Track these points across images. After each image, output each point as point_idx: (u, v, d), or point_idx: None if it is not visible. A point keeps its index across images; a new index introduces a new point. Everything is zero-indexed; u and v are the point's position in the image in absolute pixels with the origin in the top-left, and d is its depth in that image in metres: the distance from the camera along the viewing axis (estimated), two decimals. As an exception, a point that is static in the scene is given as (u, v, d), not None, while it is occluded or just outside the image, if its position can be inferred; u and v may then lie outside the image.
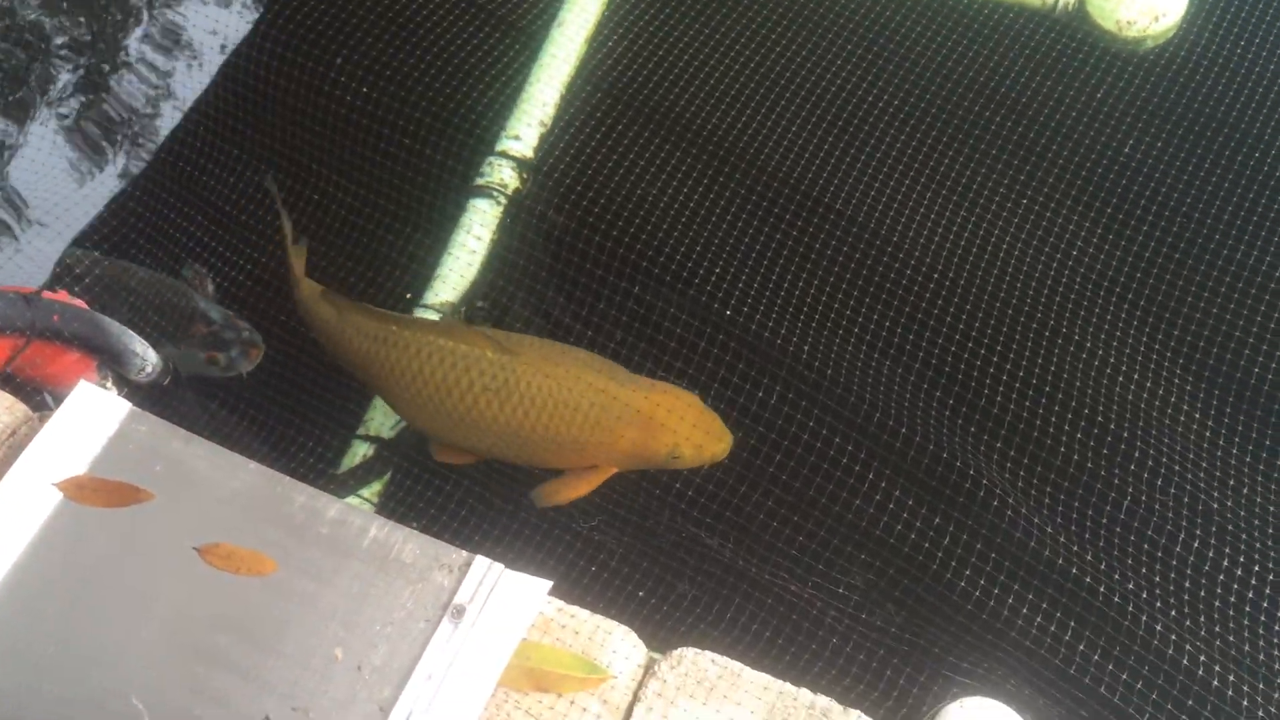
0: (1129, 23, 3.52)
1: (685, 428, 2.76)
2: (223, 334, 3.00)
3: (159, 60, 3.88)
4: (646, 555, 2.81)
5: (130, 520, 2.18)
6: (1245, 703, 2.51)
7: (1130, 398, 2.96)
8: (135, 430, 2.28)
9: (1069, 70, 3.56)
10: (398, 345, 2.78)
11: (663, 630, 2.66)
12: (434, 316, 3.23)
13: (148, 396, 2.84)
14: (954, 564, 2.74)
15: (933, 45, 3.62)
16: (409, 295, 3.30)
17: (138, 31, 3.91)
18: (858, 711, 2.24)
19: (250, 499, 2.24)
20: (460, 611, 2.15)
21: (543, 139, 3.50)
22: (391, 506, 2.97)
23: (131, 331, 2.82)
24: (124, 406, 2.30)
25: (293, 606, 2.14)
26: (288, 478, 2.27)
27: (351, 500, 2.99)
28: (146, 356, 2.84)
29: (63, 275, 2.99)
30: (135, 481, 2.21)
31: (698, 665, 2.31)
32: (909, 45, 3.63)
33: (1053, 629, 2.64)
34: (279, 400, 3.15)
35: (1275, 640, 2.59)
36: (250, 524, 2.22)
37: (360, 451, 3.08)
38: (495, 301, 3.26)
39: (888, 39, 3.65)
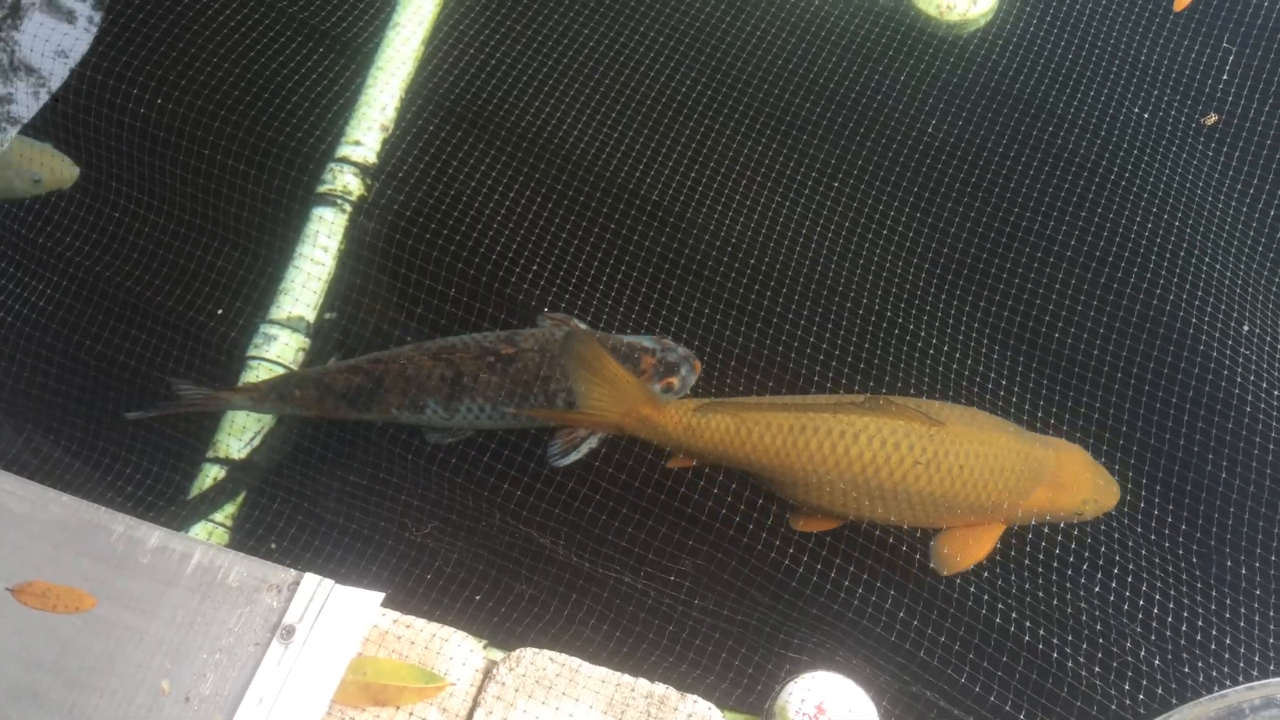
0: (949, 6, 3.60)
1: (1088, 484, 2.77)
2: (667, 358, 2.93)
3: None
4: (481, 558, 2.83)
5: (-64, 566, 2.14)
6: (1055, 655, 2.65)
7: (953, 376, 3.07)
8: (-63, 472, 2.24)
9: (893, 57, 3.63)
10: (818, 431, 2.69)
11: (501, 632, 2.68)
12: (282, 331, 3.19)
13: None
14: (778, 543, 2.81)
15: (754, 36, 3.69)
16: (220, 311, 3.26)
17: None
18: (694, 696, 2.31)
19: (65, 532, 2.20)
20: (290, 632, 2.15)
21: (384, 143, 3.48)
22: (236, 533, 2.94)
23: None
24: (-76, 448, 2.25)
25: (115, 641, 2.12)
26: (104, 508, 2.23)
27: (203, 526, 2.95)
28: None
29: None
30: (-62, 525, 2.17)
31: (536, 665, 2.34)
32: (730, 39, 3.69)
33: (873, 599, 2.75)
34: (110, 430, 3.08)
35: (1081, 594, 2.73)
36: (66, 558, 2.18)
37: (211, 474, 3.04)
38: (344, 311, 3.24)
39: (708, 34, 3.71)
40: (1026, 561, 2.74)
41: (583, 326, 3.08)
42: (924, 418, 2.69)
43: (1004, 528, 2.78)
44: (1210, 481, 2.89)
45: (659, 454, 2.92)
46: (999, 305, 3.21)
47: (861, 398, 2.78)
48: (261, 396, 3.02)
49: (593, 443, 2.90)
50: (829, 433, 2.69)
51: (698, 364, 3.00)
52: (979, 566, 2.74)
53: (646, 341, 2.99)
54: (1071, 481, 2.76)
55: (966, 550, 2.74)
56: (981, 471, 2.68)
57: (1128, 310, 3.14)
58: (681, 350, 2.99)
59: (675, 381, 2.94)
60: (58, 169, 2.98)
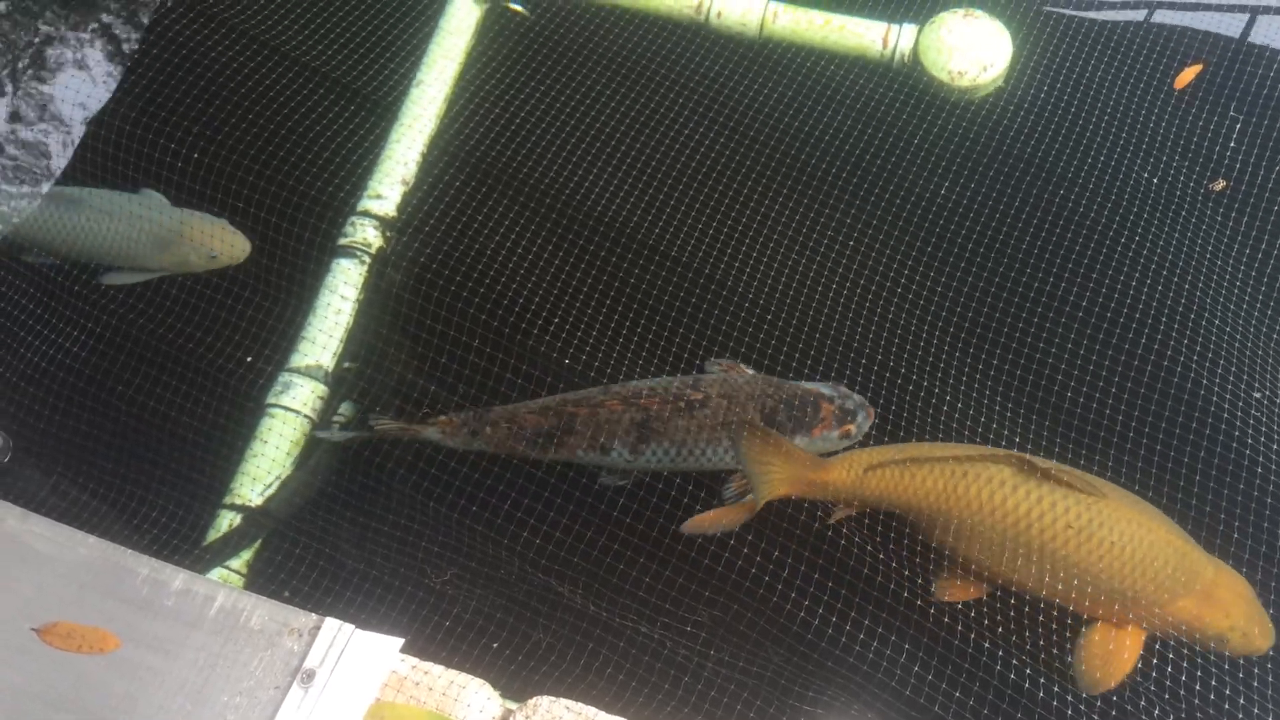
0: (960, 73, 3.68)
1: (1240, 614, 2.67)
2: (844, 405, 2.98)
3: (14, 129, 3.85)
4: (500, 606, 2.85)
5: (-36, 604, 2.16)
6: (1070, 712, 2.65)
7: (954, 425, 3.10)
8: (-33, 511, 2.27)
9: (906, 120, 3.70)
10: (978, 479, 2.69)
11: (518, 680, 2.70)
12: (301, 379, 3.23)
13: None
14: (793, 595, 2.83)
15: (777, 100, 3.77)
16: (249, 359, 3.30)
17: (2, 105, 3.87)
18: (708, 746, 2.31)
19: (91, 574, 2.22)
20: (310, 676, 2.16)
21: (405, 197, 3.54)
22: (256, 577, 2.95)
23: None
24: (-44, 488, 2.28)
25: (137, 682, 2.13)
26: (130, 550, 2.26)
27: (217, 573, 2.97)
28: (-15, 436, 2.80)
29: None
30: (-32, 564, 2.19)
31: (553, 713, 2.35)
32: (753, 101, 3.77)
33: (888, 652, 2.76)
34: (136, 473, 3.12)
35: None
36: (91, 600, 2.20)
37: (228, 519, 3.07)
38: (363, 361, 3.28)
39: (726, 94, 3.79)
40: (1041, 619, 2.75)
41: (749, 371, 3.12)
42: (1087, 484, 2.67)
43: (1146, 635, 2.69)
44: (1222, 542, 2.90)
45: (675, 504, 2.95)
46: (1011, 364, 3.24)
47: (1025, 456, 2.77)
48: (454, 430, 3.05)
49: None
50: (988, 480, 2.69)
51: (871, 411, 3.04)
52: (1003, 624, 2.74)
53: (825, 389, 3.05)
54: (1225, 602, 2.66)
55: (1109, 664, 2.64)
56: (1133, 554, 2.62)
57: (1139, 371, 3.18)
58: (857, 398, 3.05)
59: (852, 428, 3.00)
60: (233, 245, 3.06)
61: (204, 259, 3.03)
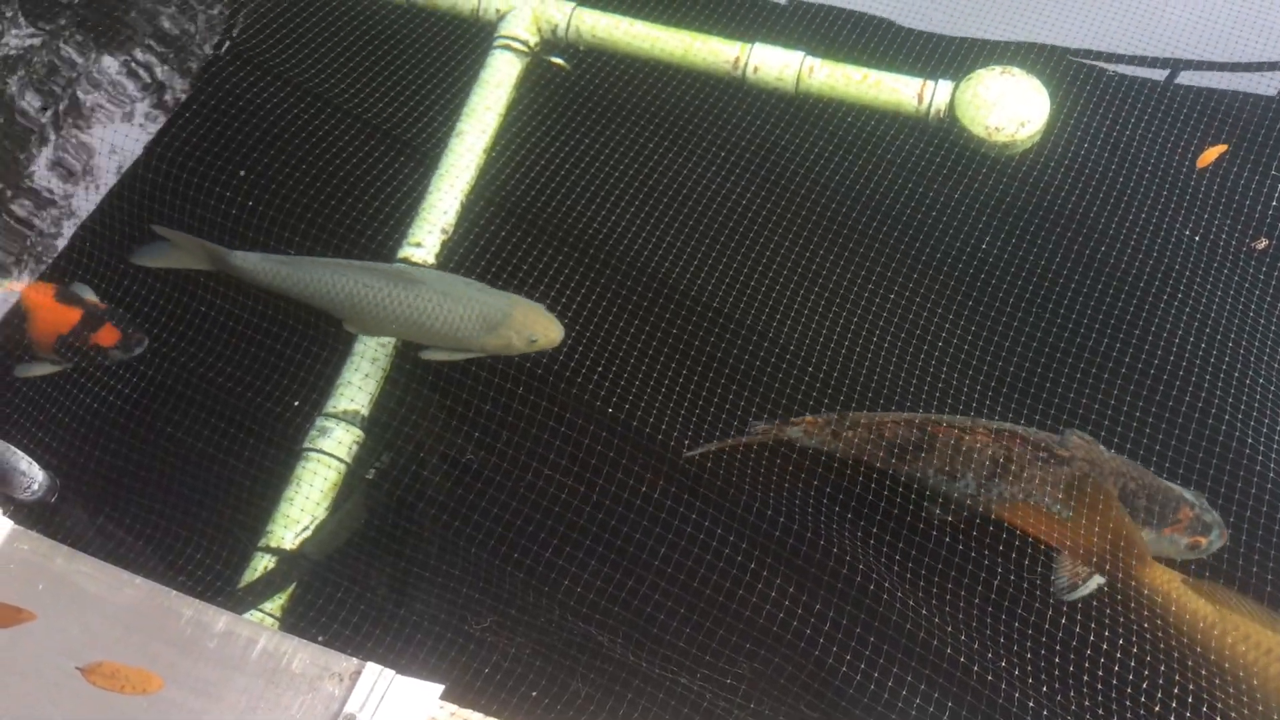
0: (997, 128, 3.69)
1: None
2: (1203, 517, 2.92)
3: (57, 182, 3.92)
4: (539, 654, 2.83)
5: (11, 641, 2.16)
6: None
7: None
8: (17, 549, 2.27)
9: (946, 175, 3.73)
10: (1259, 648, 2.67)
11: (557, 729, 2.68)
12: (337, 425, 3.25)
13: (32, 513, 2.83)
14: (835, 649, 2.80)
15: (807, 152, 3.80)
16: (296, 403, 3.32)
17: (43, 154, 3.94)
18: (746, 801, 2.29)
19: (136, 615, 2.23)
20: (351, 720, 2.17)
21: (444, 245, 3.57)
22: (292, 619, 2.95)
23: (16, 450, 2.79)
24: (5, 525, 2.29)
25: (180, 724, 2.14)
26: (174, 591, 2.27)
27: (253, 615, 2.97)
28: (31, 474, 2.81)
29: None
30: (16, 602, 2.20)
31: (590, 762, 2.34)
32: (788, 155, 3.80)
33: (931, 710, 2.72)
34: (176, 515, 3.13)
35: (1142, 713, 2.70)
36: (136, 640, 2.21)
37: (263, 563, 3.07)
38: (401, 407, 3.30)
39: (769, 149, 3.82)
40: (1086, 678, 2.71)
41: (1108, 453, 3.06)
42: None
43: None
44: (1270, 604, 2.87)
45: (717, 553, 2.93)
46: (1053, 420, 3.23)
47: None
48: (817, 430, 3.09)
49: (1095, 582, 2.89)
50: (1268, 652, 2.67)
51: (1226, 534, 2.97)
52: (1047, 682, 2.70)
53: (1189, 494, 2.98)
54: None
55: None
56: None
57: (1182, 429, 3.16)
58: (1216, 515, 2.97)
59: (1203, 542, 2.93)
60: (550, 330, 3.13)
61: (524, 342, 3.11)
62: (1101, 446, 3.08)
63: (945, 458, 2.99)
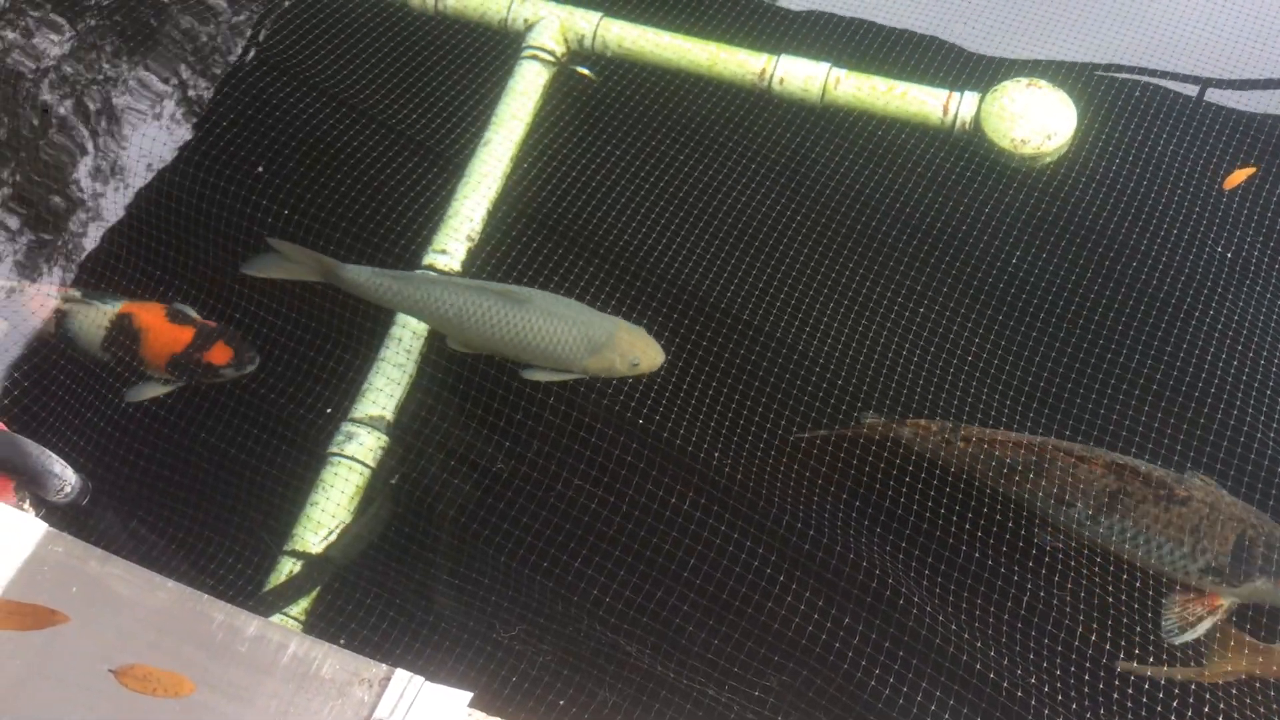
0: (1023, 141, 3.68)
1: None
2: None
3: (92, 183, 3.93)
4: (567, 663, 2.83)
5: (45, 643, 2.16)
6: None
7: (1027, 496, 3.07)
8: (51, 551, 2.27)
9: (978, 188, 3.72)
10: None
11: (584, 738, 2.68)
12: (361, 429, 3.25)
13: (65, 515, 2.83)
14: (864, 663, 2.79)
15: (833, 163, 3.80)
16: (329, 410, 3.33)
17: (85, 163, 3.96)
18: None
19: (168, 618, 2.23)
20: (380, 727, 2.17)
21: (470, 253, 3.58)
22: (319, 623, 2.95)
23: (50, 452, 2.80)
24: (40, 528, 2.29)
25: (211, 727, 2.14)
26: (206, 595, 2.27)
27: (278, 618, 2.96)
28: (65, 477, 2.81)
29: None
30: (51, 604, 2.19)
31: (618, 772, 2.33)
32: (814, 166, 3.80)
33: (961, 725, 2.72)
34: (203, 517, 3.14)
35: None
36: (168, 643, 2.20)
37: (288, 566, 3.07)
38: (425, 412, 3.30)
39: (794, 160, 3.82)
40: (1116, 695, 2.70)
41: (1228, 498, 3.01)
42: None
43: None
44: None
45: (747, 564, 2.92)
46: (1083, 436, 3.21)
47: None
48: (928, 435, 3.11)
49: (1211, 621, 2.87)
50: None
51: None
52: (1077, 700, 2.69)
53: None
54: None
55: None
56: None
57: (1214, 446, 3.14)
58: None
59: None
60: (652, 354, 3.12)
61: (627, 365, 3.10)
62: (1223, 490, 3.03)
63: (1058, 484, 2.96)
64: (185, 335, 3.30)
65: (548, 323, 3.08)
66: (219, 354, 3.30)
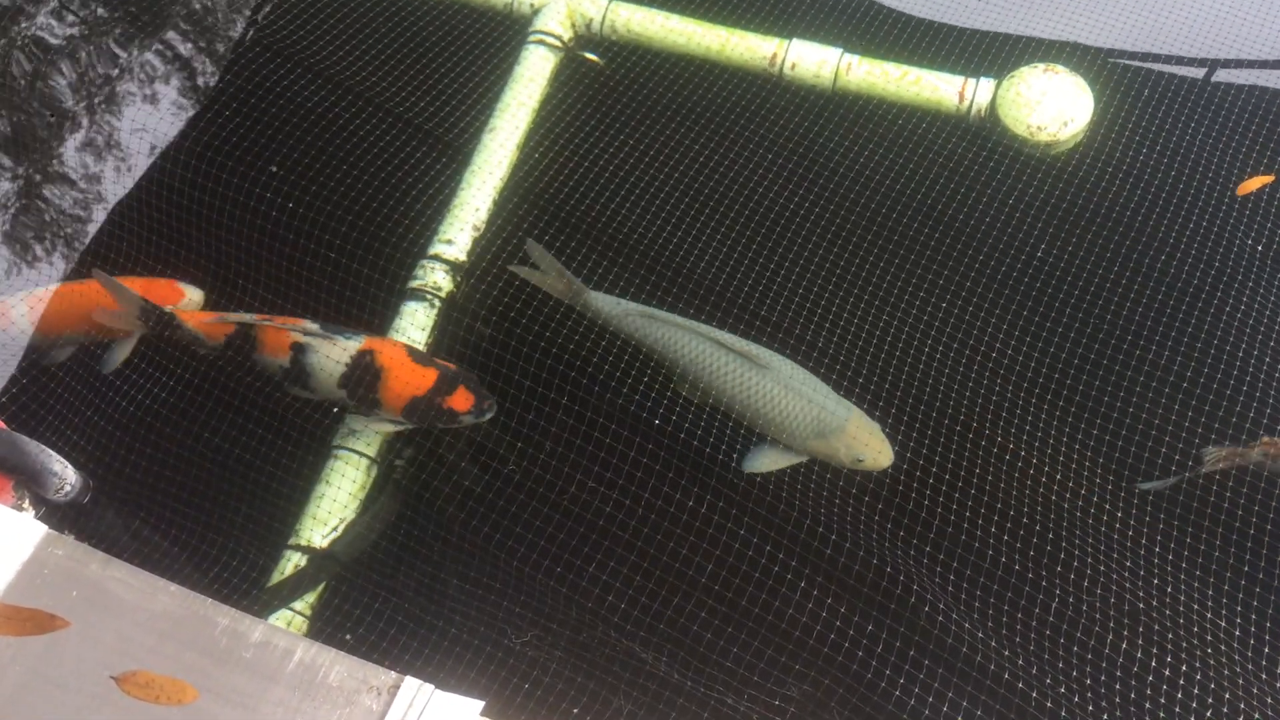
0: (1039, 128, 3.63)
1: None
2: None
3: (90, 164, 3.85)
4: (581, 670, 2.78)
5: (45, 649, 2.11)
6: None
7: (1053, 497, 3.03)
8: (51, 554, 2.22)
9: (990, 175, 3.66)
10: None
11: (598, 747, 2.63)
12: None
13: (66, 515, 2.78)
14: (888, 672, 2.75)
15: (850, 153, 3.74)
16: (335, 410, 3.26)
17: (74, 137, 3.87)
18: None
19: (171, 623, 2.18)
20: (389, 736, 2.11)
21: (476, 242, 3.51)
22: (325, 628, 2.90)
23: (50, 451, 2.75)
24: (39, 530, 2.24)
25: (215, 737, 2.09)
26: (210, 599, 2.21)
27: (284, 613, 2.92)
28: (65, 475, 2.76)
29: None
30: (51, 608, 2.14)
31: (634, 783, 2.28)
32: (825, 153, 3.74)
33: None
34: (204, 514, 3.08)
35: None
36: (171, 649, 2.15)
37: (292, 561, 3.02)
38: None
39: (805, 147, 3.76)
40: (1147, 705, 2.65)
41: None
42: None
43: None
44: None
45: (767, 570, 2.87)
46: (1100, 429, 3.17)
47: None
48: (1276, 455, 3.02)
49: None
50: None
51: None
52: (1108, 710, 2.63)
53: None
54: None
55: None
56: None
57: (1233, 440, 3.10)
58: None
59: None
60: (880, 454, 2.99)
61: (851, 459, 3.00)
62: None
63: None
64: (429, 378, 3.07)
65: (783, 396, 3.02)
66: (461, 400, 3.07)
